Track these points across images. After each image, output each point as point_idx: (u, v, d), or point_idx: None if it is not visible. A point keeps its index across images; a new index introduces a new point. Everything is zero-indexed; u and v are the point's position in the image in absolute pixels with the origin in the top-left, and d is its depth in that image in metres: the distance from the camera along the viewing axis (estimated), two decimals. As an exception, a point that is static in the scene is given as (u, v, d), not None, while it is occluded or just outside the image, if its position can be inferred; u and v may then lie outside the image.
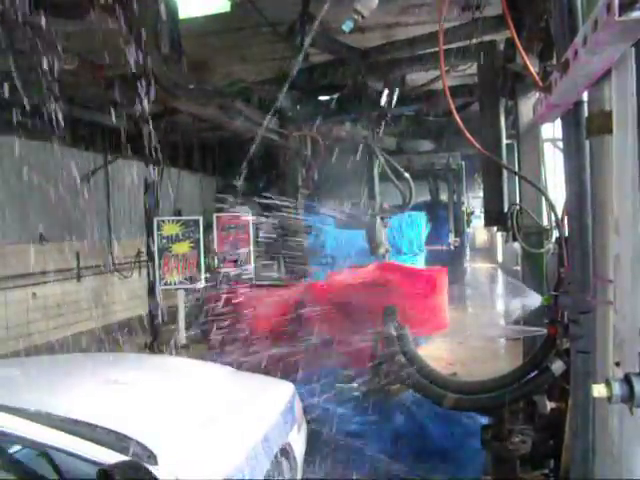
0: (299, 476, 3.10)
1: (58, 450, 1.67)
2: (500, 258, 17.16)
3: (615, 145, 1.64)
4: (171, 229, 6.49)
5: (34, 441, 1.64)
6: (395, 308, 4.14)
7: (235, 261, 7.34)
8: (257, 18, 5.13)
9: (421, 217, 12.02)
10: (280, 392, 3.22)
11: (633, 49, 1.42)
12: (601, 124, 1.76)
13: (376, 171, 8.83)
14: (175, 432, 2.29)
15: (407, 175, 8.39)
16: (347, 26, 3.86)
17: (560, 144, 4.35)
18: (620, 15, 1.24)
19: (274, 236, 10.14)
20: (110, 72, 5.04)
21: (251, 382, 3.36)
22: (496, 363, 6.25)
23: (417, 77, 6.71)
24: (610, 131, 1.69)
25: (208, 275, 6.94)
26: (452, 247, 13.47)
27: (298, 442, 3.11)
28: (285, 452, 2.91)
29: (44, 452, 1.64)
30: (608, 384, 1.40)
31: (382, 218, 9.18)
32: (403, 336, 3.84)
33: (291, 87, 5.13)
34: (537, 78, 2.38)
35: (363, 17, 3.81)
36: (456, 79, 6.51)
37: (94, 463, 1.70)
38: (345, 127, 7.57)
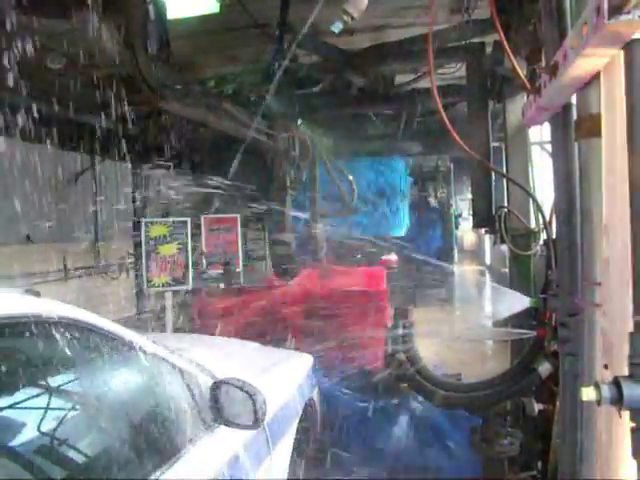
0: (318, 428, 3.82)
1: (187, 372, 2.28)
2: (488, 260, 17.23)
3: (604, 148, 1.65)
4: (159, 230, 6.41)
5: (174, 364, 2.21)
6: (408, 308, 4.33)
7: (224, 263, 7.26)
8: (246, 19, 5.12)
9: (401, 164, 11.58)
10: (303, 360, 3.88)
11: (622, 52, 1.42)
12: (590, 127, 1.77)
13: (317, 173, 8.83)
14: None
15: (350, 177, 8.53)
16: (336, 27, 3.86)
17: (547, 147, 4.39)
18: (609, 18, 1.24)
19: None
20: (97, 72, 5.00)
21: (279, 352, 4.02)
22: (484, 365, 6.27)
23: (402, 76, 6.68)
24: (599, 134, 1.69)
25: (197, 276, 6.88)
26: (436, 205, 14.06)
27: (318, 401, 3.83)
28: (309, 406, 3.60)
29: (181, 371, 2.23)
30: (597, 387, 1.40)
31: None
32: (409, 336, 4.00)
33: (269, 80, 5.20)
34: (525, 81, 2.38)
35: (353, 18, 3.80)
36: (443, 80, 6.47)
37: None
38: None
